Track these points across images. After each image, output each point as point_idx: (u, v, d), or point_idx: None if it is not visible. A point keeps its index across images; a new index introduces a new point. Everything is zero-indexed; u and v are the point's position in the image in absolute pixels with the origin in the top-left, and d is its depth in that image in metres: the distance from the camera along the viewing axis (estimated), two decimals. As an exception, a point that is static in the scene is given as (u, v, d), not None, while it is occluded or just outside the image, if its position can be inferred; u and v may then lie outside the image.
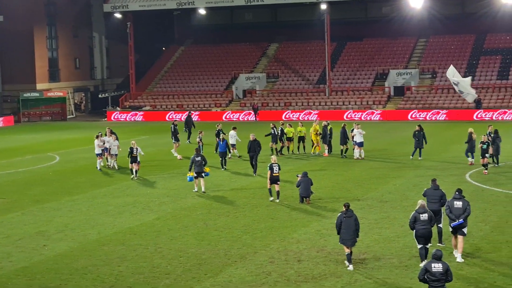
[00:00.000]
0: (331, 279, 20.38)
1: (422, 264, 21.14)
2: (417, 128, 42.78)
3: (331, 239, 23.92)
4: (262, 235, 25.78)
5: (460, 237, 22.06)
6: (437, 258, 16.97)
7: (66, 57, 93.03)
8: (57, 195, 35.05)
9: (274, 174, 31.40)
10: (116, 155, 42.25)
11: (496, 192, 32.29)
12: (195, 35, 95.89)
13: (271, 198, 31.69)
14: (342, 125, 44.95)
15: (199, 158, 33.90)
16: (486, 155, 36.87)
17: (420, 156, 42.35)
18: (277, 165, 31.67)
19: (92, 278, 21.20)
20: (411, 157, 42.46)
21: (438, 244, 23.05)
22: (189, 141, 53.75)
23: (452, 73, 61.73)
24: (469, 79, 64.74)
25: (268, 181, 31.63)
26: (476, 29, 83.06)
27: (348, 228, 21.34)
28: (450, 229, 22.27)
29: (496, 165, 38.82)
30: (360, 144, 43.51)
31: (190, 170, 34.35)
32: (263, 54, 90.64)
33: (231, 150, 44.98)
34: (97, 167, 42.17)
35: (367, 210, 29.20)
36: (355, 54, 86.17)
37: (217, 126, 47.08)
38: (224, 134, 43.30)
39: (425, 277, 16.91)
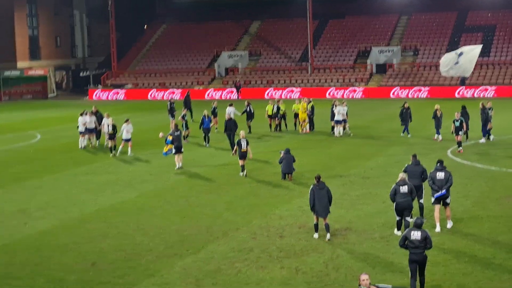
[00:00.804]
0: (313, 255, 20.42)
1: (396, 232, 21.79)
2: (404, 105, 42.92)
3: (313, 215, 23.89)
4: (244, 211, 25.79)
5: (445, 207, 22.60)
6: (417, 226, 17.32)
7: (47, 35, 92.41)
8: (38, 173, 34.90)
9: (242, 150, 31.95)
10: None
11: (477, 168, 32.44)
12: (177, 13, 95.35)
13: (241, 173, 32.10)
14: (333, 102, 45.04)
15: (178, 133, 34.17)
16: (460, 132, 36.82)
17: (403, 133, 42.50)
18: (245, 140, 32.24)
19: (73, 255, 21.13)
20: (408, 135, 42.36)
21: (420, 220, 23.15)
22: (192, 120, 52.48)
23: (471, 49, 59.52)
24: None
25: (238, 156, 32.28)
26: (457, 6, 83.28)
27: (321, 200, 21.79)
28: (432, 200, 22.54)
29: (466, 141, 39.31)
30: (338, 122, 43.71)
31: (166, 143, 34.37)
32: (245, 32, 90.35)
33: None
34: (79, 145, 42.01)
35: (349, 187, 29.27)
36: (337, 31, 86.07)
37: (213, 103, 47.00)
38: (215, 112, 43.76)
39: (405, 243, 17.27)
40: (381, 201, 26.22)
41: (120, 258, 20.71)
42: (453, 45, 77.82)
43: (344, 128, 44.12)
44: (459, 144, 36.78)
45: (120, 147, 38.96)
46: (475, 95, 68.67)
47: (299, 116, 45.98)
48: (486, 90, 69.19)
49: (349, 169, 33.15)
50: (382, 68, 78.64)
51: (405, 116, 42.50)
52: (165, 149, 34.53)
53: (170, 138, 34.14)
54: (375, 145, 40.21)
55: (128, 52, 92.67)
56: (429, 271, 17.95)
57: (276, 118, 46.59)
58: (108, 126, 39.48)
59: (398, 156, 35.79)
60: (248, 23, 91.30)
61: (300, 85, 77.03)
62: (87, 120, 41.80)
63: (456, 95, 69.32)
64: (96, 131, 42.23)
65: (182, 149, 34.42)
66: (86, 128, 41.93)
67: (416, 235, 17.12)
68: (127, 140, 38.70)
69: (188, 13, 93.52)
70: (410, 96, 70.75)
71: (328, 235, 21.79)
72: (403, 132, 42.63)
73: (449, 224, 22.67)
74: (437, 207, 22.53)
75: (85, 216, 25.82)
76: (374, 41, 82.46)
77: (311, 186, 22.18)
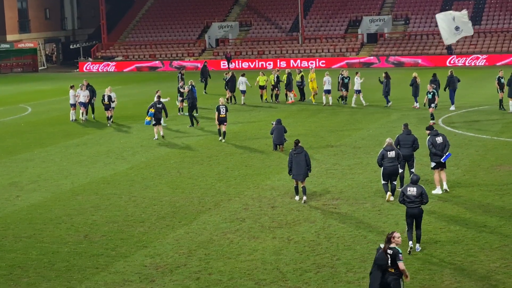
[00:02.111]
0: (305, 224, 20.48)
1: (387, 196, 22.26)
2: (383, 75, 42.99)
3: (291, 179, 23.88)
4: (236, 182, 25.82)
5: (442, 170, 23.03)
6: (413, 182, 18.15)
7: (36, 7, 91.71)
8: (29, 146, 34.83)
9: (220, 116, 32.85)
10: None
11: (469, 136, 32.50)
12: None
13: (220, 138, 33.25)
14: (340, 72, 45.29)
15: (160, 105, 34.61)
16: (432, 104, 36.52)
17: (389, 102, 42.64)
18: (224, 106, 33.09)
19: (66, 227, 21.15)
20: (387, 104, 42.60)
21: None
22: (205, 92, 52.56)
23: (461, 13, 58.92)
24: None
25: (216, 122, 33.12)
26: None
27: (299, 164, 22.57)
28: (433, 165, 23.00)
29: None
30: (327, 92, 44.00)
31: (147, 114, 34.53)
32: (236, 3, 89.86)
33: (242, 97, 46.24)
34: (70, 118, 41.93)
35: (341, 156, 29.31)
36: (328, 1, 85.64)
37: (226, 74, 46.91)
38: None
39: (404, 199, 17.98)
40: (373, 171, 26.26)
41: (112, 230, 20.75)
42: (444, 14, 77.59)
43: (346, 97, 44.68)
44: (432, 116, 36.60)
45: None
46: (467, 63, 68.67)
47: (309, 86, 45.67)
48: (478, 58, 69.16)
49: (340, 138, 33.19)
50: (373, 38, 78.46)
51: (386, 85, 42.65)
52: (148, 118, 34.67)
53: (152, 110, 34.22)
54: (366, 114, 40.22)
55: (118, 23, 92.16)
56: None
57: (277, 89, 46.54)
58: (105, 96, 39.50)
59: (389, 126, 35.83)
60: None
61: (291, 56, 76.85)
62: (81, 94, 41.46)
63: (448, 64, 69.25)
64: (86, 105, 41.94)
65: (161, 121, 35.02)
66: (80, 102, 41.73)
67: (412, 190, 17.86)
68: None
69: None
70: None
71: (304, 197, 22.70)
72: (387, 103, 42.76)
73: (445, 186, 23.07)
74: (437, 171, 22.99)
75: (77, 189, 25.82)
76: (365, 11, 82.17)
77: (290, 151, 22.93)
